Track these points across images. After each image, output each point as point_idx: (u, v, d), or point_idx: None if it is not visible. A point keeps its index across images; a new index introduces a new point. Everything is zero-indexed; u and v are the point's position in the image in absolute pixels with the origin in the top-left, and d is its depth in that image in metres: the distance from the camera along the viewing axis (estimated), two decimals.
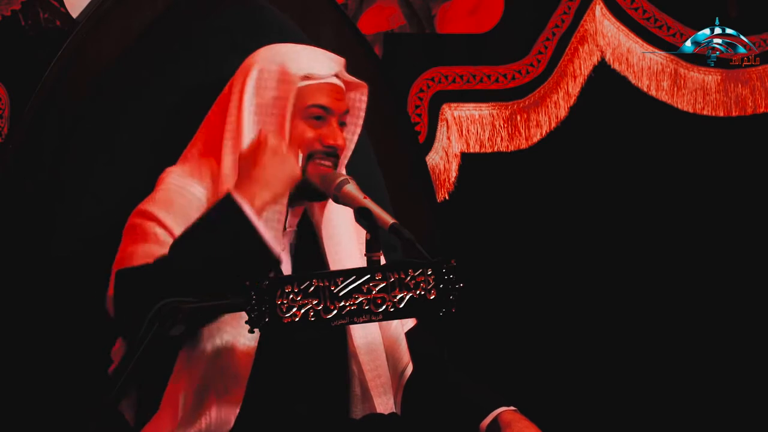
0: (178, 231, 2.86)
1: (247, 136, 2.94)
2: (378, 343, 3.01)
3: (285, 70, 2.97)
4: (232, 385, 2.87)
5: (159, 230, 2.88)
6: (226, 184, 2.90)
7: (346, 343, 3.01)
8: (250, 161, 2.84)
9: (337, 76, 3.01)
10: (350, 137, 3.09)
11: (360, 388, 3.01)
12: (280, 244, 2.87)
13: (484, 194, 3.93)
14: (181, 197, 2.94)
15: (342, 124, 3.02)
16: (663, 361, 4.05)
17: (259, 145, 2.84)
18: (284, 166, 2.83)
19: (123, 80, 3.31)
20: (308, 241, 3.04)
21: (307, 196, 2.99)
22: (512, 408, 2.99)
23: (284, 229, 2.98)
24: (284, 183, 2.84)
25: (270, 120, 2.96)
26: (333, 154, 2.98)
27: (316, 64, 2.99)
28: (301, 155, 2.91)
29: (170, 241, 2.83)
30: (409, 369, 3.05)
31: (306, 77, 2.97)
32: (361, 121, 3.10)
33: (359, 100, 3.09)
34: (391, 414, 2.98)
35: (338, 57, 3.05)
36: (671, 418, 4.04)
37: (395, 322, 3.06)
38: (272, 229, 2.85)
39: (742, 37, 4.05)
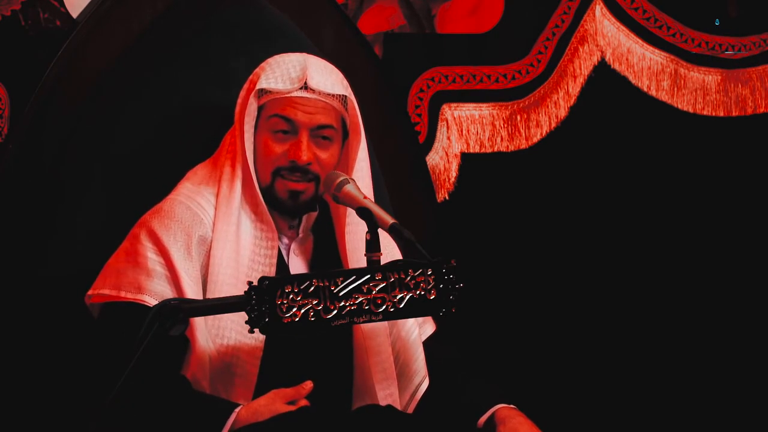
0: (174, 250, 2.90)
1: (248, 147, 2.96)
2: (383, 329, 3.00)
3: (254, 82, 2.97)
4: (241, 384, 2.88)
5: (152, 255, 2.91)
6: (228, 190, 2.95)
7: (351, 336, 3.00)
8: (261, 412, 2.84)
9: (310, 89, 2.94)
10: (361, 154, 3.02)
11: (361, 378, 3.00)
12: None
13: (484, 194, 3.93)
14: (187, 210, 2.95)
15: (325, 138, 2.96)
16: (663, 361, 4.04)
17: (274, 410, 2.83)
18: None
19: (123, 80, 3.31)
20: (327, 246, 3.04)
21: (279, 210, 2.99)
22: (510, 405, 2.99)
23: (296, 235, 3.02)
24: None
25: (237, 132, 2.98)
26: (299, 169, 2.94)
27: (279, 78, 2.94)
28: None
29: (160, 270, 2.88)
30: (425, 385, 3.04)
31: (264, 90, 2.95)
32: (358, 134, 3.01)
33: (352, 112, 3.01)
34: (388, 406, 2.98)
35: (312, 65, 2.98)
36: (671, 418, 4.04)
37: (414, 333, 3.04)
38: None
39: (742, 37, 4.06)
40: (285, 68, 2.97)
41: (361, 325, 2.96)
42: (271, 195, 2.96)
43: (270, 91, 2.95)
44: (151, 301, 2.86)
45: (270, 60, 3.01)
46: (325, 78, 2.96)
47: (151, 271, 2.90)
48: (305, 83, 2.94)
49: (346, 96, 2.98)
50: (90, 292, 2.97)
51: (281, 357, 2.92)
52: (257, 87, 2.95)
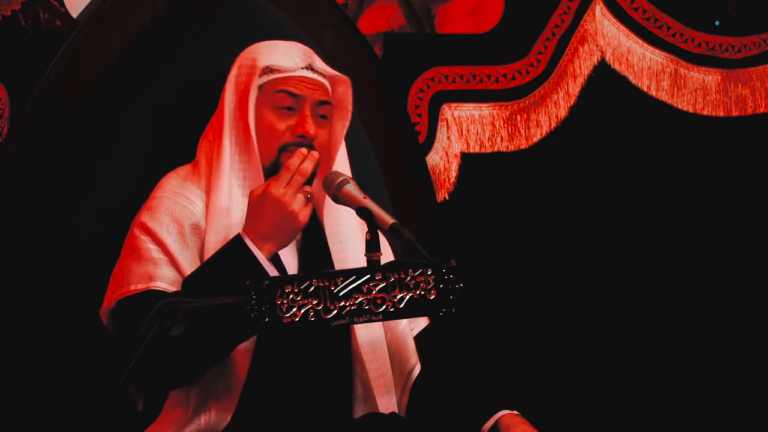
0: (170, 240, 2.91)
1: (228, 133, 2.98)
2: (381, 342, 3.01)
3: (254, 63, 3.02)
4: (229, 387, 2.87)
5: (152, 246, 2.92)
6: (216, 183, 2.96)
7: (350, 343, 3.01)
8: (257, 210, 2.84)
9: (311, 69, 3.02)
10: (340, 132, 3.07)
11: (362, 387, 3.01)
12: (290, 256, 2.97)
13: (484, 194, 3.93)
14: (174, 204, 2.97)
15: (323, 117, 3.02)
16: (663, 361, 4.05)
17: (265, 197, 2.84)
18: (290, 223, 2.84)
19: (123, 80, 3.31)
20: (315, 239, 3.04)
21: None
22: (513, 411, 2.99)
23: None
24: (290, 235, 2.86)
25: (236, 114, 3.00)
26: (305, 144, 2.97)
27: (283, 56, 3.01)
28: (301, 197, 2.87)
29: (163, 257, 2.89)
30: (416, 370, 3.05)
31: (269, 68, 3.00)
32: (349, 115, 3.07)
33: (343, 93, 3.07)
34: (392, 414, 2.98)
35: (312, 52, 3.06)
36: (671, 418, 4.04)
37: (403, 323, 3.06)
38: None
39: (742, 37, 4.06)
40: (283, 50, 3.03)
41: (360, 341, 2.98)
42: (276, 170, 2.96)
43: (277, 69, 3.00)
44: (164, 286, 2.87)
45: (257, 45, 3.06)
46: (318, 60, 3.05)
47: (156, 260, 2.90)
48: (309, 65, 3.01)
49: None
50: (105, 305, 2.96)
51: (276, 360, 2.92)
52: (262, 65, 3.00)
